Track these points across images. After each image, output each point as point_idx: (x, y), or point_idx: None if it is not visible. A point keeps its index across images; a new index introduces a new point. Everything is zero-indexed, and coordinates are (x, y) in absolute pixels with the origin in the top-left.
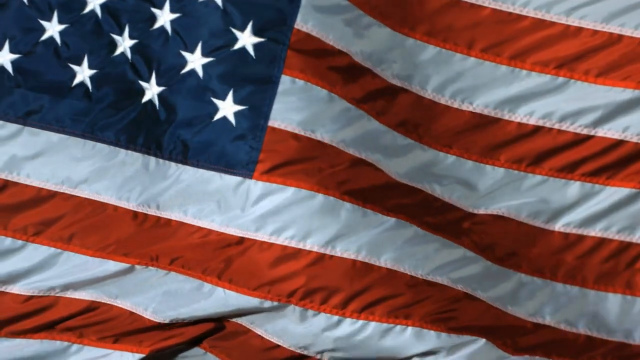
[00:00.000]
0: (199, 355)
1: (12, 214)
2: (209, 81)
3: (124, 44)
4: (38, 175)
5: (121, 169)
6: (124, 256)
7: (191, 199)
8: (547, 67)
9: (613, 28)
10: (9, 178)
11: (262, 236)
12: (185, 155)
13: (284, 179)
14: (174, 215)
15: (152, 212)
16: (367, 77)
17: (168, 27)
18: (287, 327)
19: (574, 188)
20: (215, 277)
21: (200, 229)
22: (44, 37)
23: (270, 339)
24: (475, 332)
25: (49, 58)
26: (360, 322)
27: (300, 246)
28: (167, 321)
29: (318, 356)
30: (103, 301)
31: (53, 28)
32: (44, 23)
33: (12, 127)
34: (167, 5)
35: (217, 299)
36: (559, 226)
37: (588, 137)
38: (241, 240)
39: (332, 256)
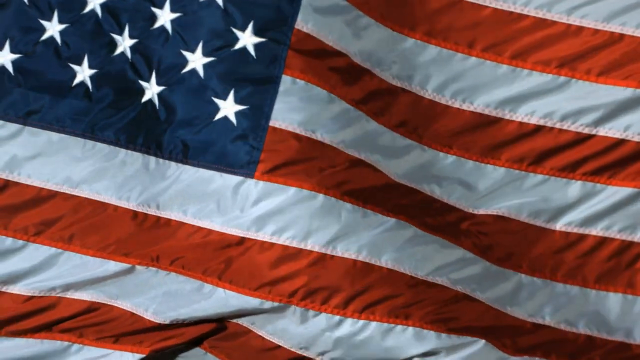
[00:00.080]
0: (199, 356)
1: (12, 214)
2: (209, 81)
3: (124, 43)
4: (38, 175)
5: (121, 169)
6: (125, 256)
7: (191, 198)
8: (548, 66)
9: (614, 27)
10: (10, 178)
11: (263, 236)
12: (185, 155)
13: (285, 179)
14: (174, 215)
15: (152, 211)
16: (366, 78)
17: (168, 27)
18: (288, 327)
19: (575, 187)
20: (216, 277)
21: (200, 229)
22: (44, 36)
23: (270, 340)
24: (475, 332)
25: (49, 58)
26: (361, 322)
27: (302, 246)
28: (167, 322)
29: (319, 357)
30: (104, 302)
31: (53, 28)
32: (44, 23)
33: (13, 127)
34: (167, 5)
35: (217, 299)
36: (560, 225)
37: (589, 137)
38: (242, 240)
39: (333, 256)
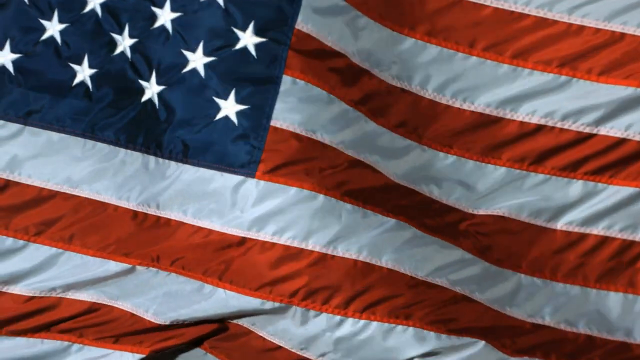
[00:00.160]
0: (199, 356)
1: (13, 214)
2: (210, 80)
3: (124, 43)
4: (39, 175)
5: (121, 169)
6: (125, 256)
7: (191, 198)
8: (549, 65)
9: (615, 26)
10: (11, 178)
11: (264, 236)
12: (185, 154)
13: (286, 179)
14: (174, 215)
15: (151, 211)
16: (365, 78)
17: (169, 26)
18: (289, 328)
19: (577, 187)
20: (216, 278)
21: (200, 229)
22: (45, 36)
23: (271, 340)
24: (475, 333)
25: (49, 57)
26: (362, 321)
27: (303, 246)
28: (167, 322)
29: (320, 358)
30: (104, 302)
31: (53, 27)
32: (44, 22)
33: (13, 126)
34: (167, 4)
35: (217, 300)
36: (561, 225)
37: (590, 136)
38: (242, 240)
39: (334, 256)
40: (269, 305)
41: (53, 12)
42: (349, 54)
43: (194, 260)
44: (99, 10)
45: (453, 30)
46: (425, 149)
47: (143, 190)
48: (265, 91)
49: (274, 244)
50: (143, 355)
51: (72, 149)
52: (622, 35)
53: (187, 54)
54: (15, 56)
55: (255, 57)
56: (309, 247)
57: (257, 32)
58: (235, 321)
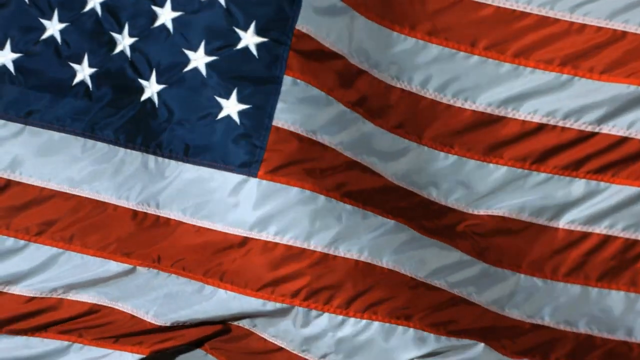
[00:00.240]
0: (199, 357)
1: (14, 214)
2: (212, 79)
3: (124, 42)
4: (40, 174)
5: (121, 168)
6: (126, 257)
7: (191, 197)
8: (551, 64)
9: (617, 25)
10: (12, 177)
11: (266, 236)
12: (186, 154)
13: (288, 179)
14: (173, 214)
15: (151, 210)
16: (363, 79)
17: (170, 25)
18: (290, 329)
19: (579, 186)
20: (217, 279)
21: (200, 228)
22: (45, 36)
23: (273, 342)
24: (474, 335)
25: (49, 57)
26: (364, 321)
27: (305, 246)
28: (168, 324)
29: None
30: (104, 304)
31: (53, 27)
32: (44, 22)
33: (14, 126)
34: (168, 3)
35: (218, 301)
36: (563, 223)
37: (592, 134)
38: (244, 240)
39: (335, 256)
40: (270, 306)
41: (53, 12)
42: (346, 54)
43: (195, 261)
44: (98, 10)
45: (454, 30)
46: (425, 149)
47: (143, 189)
48: (267, 91)
49: (276, 244)
50: (143, 356)
51: (72, 148)
52: (624, 34)
53: (189, 53)
54: (15, 56)
55: (257, 57)
56: (311, 247)
57: (259, 32)
58: (236, 323)
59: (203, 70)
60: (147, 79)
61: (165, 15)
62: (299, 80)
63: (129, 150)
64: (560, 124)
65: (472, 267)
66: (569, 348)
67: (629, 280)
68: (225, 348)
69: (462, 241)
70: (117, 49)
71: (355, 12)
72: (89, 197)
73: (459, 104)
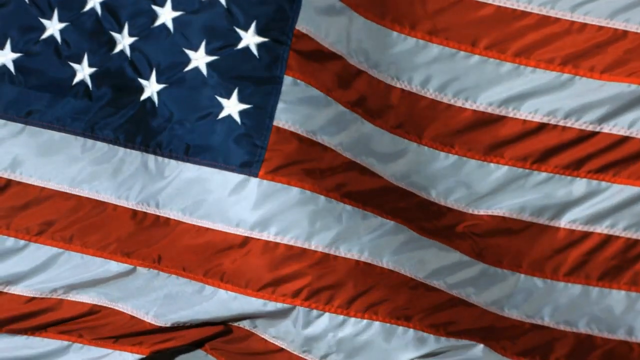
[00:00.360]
0: (200, 357)
1: (14, 214)
2: (213, 79)
3: (123, 41)
4: (40, 174)
5: (120, 168)
6: (126, 256)
7: (191, 197)
8: (551, 64)
9: (618, 24)
10: (12, 177)
11: (267, 236)
12: (186, 153)
13: (289, 179)
14: (173, 213)
15: (151, 210)
16: (362, 80)
17: (170, 25)
18: (291, 330)
19: (580, 185)
20: (218, 279)
21: (200, 228)
22: (45, 35)
23: (273, 343)
24: (474, 336)
25: (49, 57)
26: (365, 321)
27: (306, 246)
28: (168, 325)
29: None
30: (104, 304)
31: (53, 26)
32: (44, 21)
33: (14, 126)
34: (168, 3)
35: (219, 301)
36: (564, 223)
37: (593, 134)
38: (245, 240)
39: (336, 256)
40: (271, 306)
41: (53, 11)
42: (345, 55)
43: (195, 262)
44: (98, 9)
45: (454, 29)
46: (425, 149)
47: (142, 189)
48: (267, 91)
49: (277, 244)
50: (143, 356)
51: (72, 148)
52: (625, 33)
53: (189, 52)
54: (15, 55)
55: (257, 56)
56: (312, 247)
57: (259, 32)
58: (236, 324)
59: (204, 70)
60: (147, 78)
61: (166, 15)
62: (299, 81)
63: (128, 150)
64: (561, 123)
65: (471, 267)
66: (569, 348)
67: (630, 279)
68: (226, 349)
69: (461, 242)
70: (117, 49)
71: (354, 13)
72: (89, 196)
73: (459, 103)
